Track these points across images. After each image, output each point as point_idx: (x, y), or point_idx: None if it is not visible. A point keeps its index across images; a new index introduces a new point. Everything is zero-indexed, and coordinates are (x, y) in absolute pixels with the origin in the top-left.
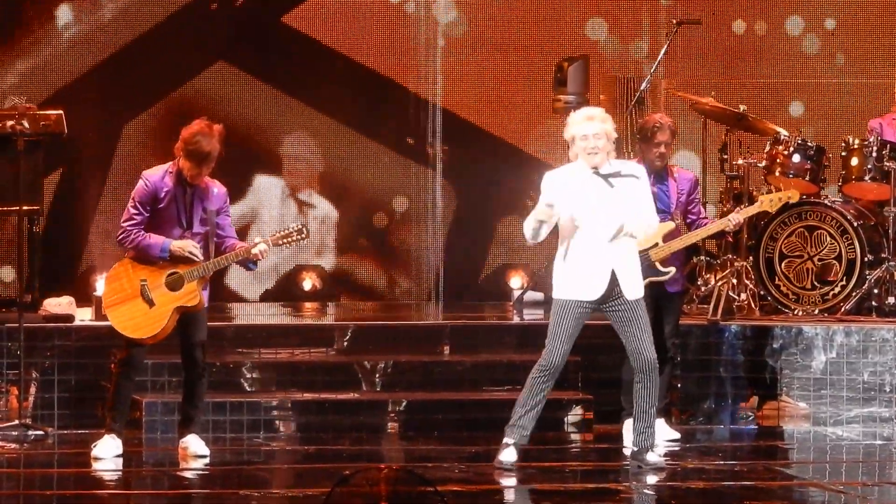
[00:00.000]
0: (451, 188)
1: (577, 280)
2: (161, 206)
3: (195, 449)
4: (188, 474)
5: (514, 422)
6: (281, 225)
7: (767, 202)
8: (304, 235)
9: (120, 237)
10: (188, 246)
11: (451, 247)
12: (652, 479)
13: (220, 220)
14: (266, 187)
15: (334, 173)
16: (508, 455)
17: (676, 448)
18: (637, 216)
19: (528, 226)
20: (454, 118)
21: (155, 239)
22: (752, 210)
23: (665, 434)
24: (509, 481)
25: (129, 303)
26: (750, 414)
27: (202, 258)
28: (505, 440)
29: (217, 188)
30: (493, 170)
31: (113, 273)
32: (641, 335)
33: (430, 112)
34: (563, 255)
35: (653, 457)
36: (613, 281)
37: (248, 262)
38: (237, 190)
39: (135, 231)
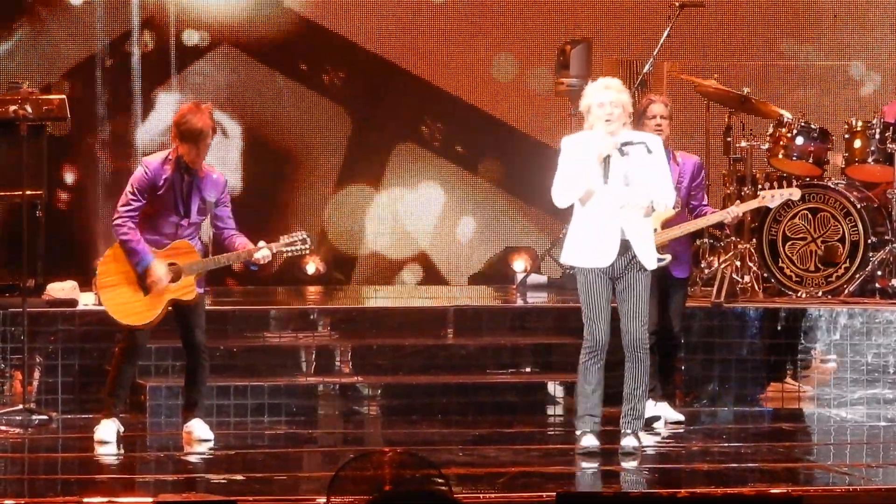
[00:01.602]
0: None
1: (589, 247)
2: (159, 192)
3: (199, 433)
4: (192, 458)
5: (581, 413)
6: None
7: (769, 197)
8: (307, 246)
9: (115, 222)
10: (161, 283)
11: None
12: (631, 463)
13: (219, 212)
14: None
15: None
16: (589, 440)
17: (681, 430)
18: (658, 189)
19: (570, 181)
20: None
21: (141, 247)
22: (752, 204)
23: (670, 416)
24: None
25: (123, 287)
26: (754, 396)
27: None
28: (578, 432)
29: (216, 175)
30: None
31: (112, 253)
32: (635, 313)
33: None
34: (579, 222)
35: (628, 441)
36: (627, 248)
37: (251, 264)
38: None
39: (129, 224)
